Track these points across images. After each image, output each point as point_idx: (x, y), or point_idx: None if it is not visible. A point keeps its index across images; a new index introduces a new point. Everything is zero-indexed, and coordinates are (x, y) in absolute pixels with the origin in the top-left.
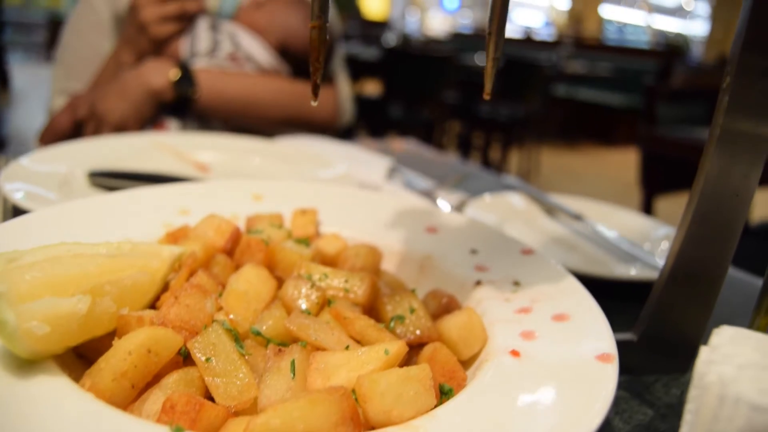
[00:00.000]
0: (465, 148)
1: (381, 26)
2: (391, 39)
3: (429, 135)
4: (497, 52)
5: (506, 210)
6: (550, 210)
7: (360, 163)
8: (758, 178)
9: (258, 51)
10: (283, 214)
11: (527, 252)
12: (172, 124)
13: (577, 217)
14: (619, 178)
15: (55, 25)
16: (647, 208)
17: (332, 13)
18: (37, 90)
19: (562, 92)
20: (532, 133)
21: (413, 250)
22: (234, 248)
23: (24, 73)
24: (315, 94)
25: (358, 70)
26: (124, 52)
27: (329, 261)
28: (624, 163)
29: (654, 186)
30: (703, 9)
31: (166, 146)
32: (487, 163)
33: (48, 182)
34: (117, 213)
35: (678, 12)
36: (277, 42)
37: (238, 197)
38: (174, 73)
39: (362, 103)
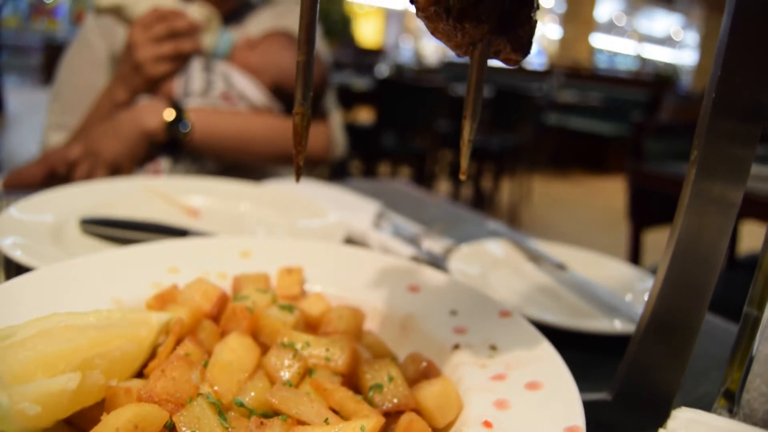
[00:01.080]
0: (457, 177)
1: (375, 54)
2: (383, 69)
3: (421, 164)
4: (472, 135)
5: (491, 258)
6: (534, 257)
7: (348, 209)
8: (728, 240)
9: (251, 90)
10: (270, 273)
11: (505, 314)
12: (165, 162)
13: (560, 267)
14: (610, 207)
15: (51, 49)
16: (636, 241)
17: (324, 48)
18: (32, 114)
19: (553, 121)
20: (523, 162)
21: (395, 309)
22: (220, 313)
23: (19, 97)
24: (297, 175)
25: (351, 98)
26: (119, 90)
27: (313, 323)
28: (615, 191)
29: (642, 219)
30: (692, 39)
31: (157, 191)
32: (479, 192)
33: (40, 232)
34: (107, 273)
35: (667, 41)
36: (270, 81)
37: (226, 254)
38: (168, 114)
39: (355, 131)
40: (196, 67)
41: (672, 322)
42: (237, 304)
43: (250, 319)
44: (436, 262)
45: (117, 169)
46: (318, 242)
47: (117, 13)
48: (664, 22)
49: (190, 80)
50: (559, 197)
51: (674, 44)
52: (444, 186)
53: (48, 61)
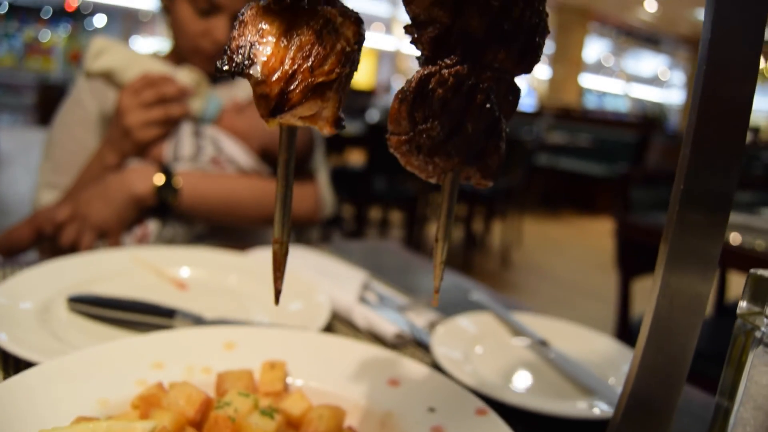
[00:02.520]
0: None
1: (367, 95)
2: (374, 114)
3: (412, 207)
4: (444, 257)
5: (473, 334)
6: (517, 332)
7: (334, 280)
8: (699, 330)
9: (239, 154)
10: (253, 367)
11: (482, 412)
12: (153, 225)
13: (543, 343)
14: (601, 248)
15: (45, 88)
16: (625, 290)
17: None
18: (25, 154)
19: (543, 161)
20: (514, 203)
21: (375, 406)
22: (204, 419)
23: (12, 136)
24: (276, 299)
25: (342, 143)
26: (109, 154)
27: (294, 422)
28: (605, 231)
29: (630, 269)
30: (679, 78)
31: (145, 263)
32: (470, 234)
33: (27, 315)
34: (92, 372)
35: (655, 81)
36: (257, 146)
37: (210, 347)
38: (158, 178)
39: (346, 175)
40: (185, 131)
41: (648, 406)
42: (219, 414)
43: (232, 429)
44: (420, 338)
45: (105, 233)
46: (301, 332)
47: (107, 77)
48: (651, 62)
49: (180, 145)
50: (550, 238)
51: (661, 84)
52: (434, 229)
53: (42, 100)
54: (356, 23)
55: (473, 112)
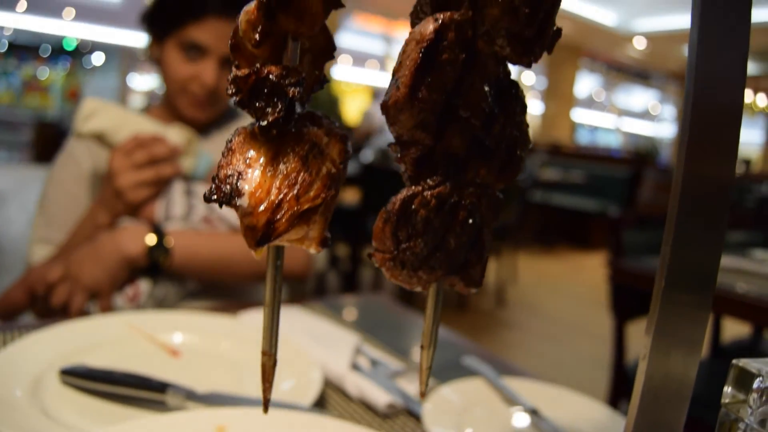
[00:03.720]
0: None
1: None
2: (369, 154)
3: None
4: (429, 362)
5: (465, 402)
6: (508, 400)
7: (326, 347)
8: (686, 410)
9: (230, 213)
10: None
11: None
12: (144, 284)
13: (533, 411)
14: (596, 284)
15: (41, 126)
16: (619, 334)
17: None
18: (21, 192)
19: (537, 198)
20: (508, 241)
21: None
22: None
23: (8, 173)
24: (265, 407)
25: None
26: (100, 213)
27: None
28: (600, 266)
29: (624, 313)
30: (669, 112)
31: (139, 330)
32: None
33: (18, 390)
34: None
35: (646, 115)
36: None
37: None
38: (149, 239)
39: (341, 214)
40: (177, 190)
41: None
42: None
43: None
44: (412, 409)
45: (96, 294)
46: (293, 413)
47: (99, 138)
48: (641, 96)
49: (171, 204)
50: (546, 274)
51: (652, 118)
52: None
53: (38, 137)
54: (342, 141)
55: (456, 229)
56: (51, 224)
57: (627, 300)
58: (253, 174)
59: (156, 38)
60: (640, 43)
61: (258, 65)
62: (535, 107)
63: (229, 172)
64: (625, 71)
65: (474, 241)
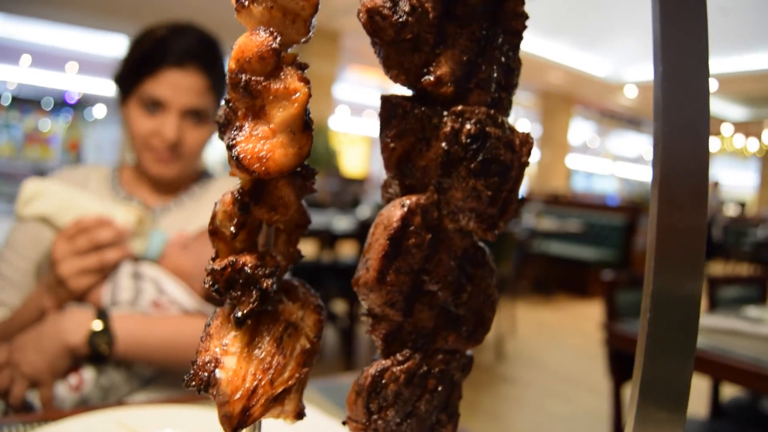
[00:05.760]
0: None
1: (360, 183)
2: (365, 210)
3: None
4: None
5: None
6: None
7: None
8: None
9: (182, 296)
10: None
11: None
12: (88, 372)
13: None
14: (594, 334)
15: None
16: (617, 397)
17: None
18: None
19: (535, 247)
20: (507, 292)
21: None
22: None
23: (6, 226)
24: None
25: (333, 238)
26: (45, 298)
27: None
28: (598, 315)
29: (622, 377)
30: None
31: (129, 428)
32: None
33: None
34: None
35: (639, 160)
36: (202, 288)
37: None
38: (95, 325)
39: (338, 270)
40: (124, 273)
41: None
42: None
43: None
44: None
45: (36, 382)
46: None
47: (42, 222)
48: (635, 142)
49: (118, 289)
50: (545, 325)
51: (646, 163)
52: None
53: None
54: (317, 311)
55: (426, 396)
56: (5, 287)
57: (623, 363)
58: (229, 361)
59: (122, 98)
60: (631, 92)
61: (233, 258)
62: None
63: (207, 359)
64: (618, 118)
65: (445, 404)
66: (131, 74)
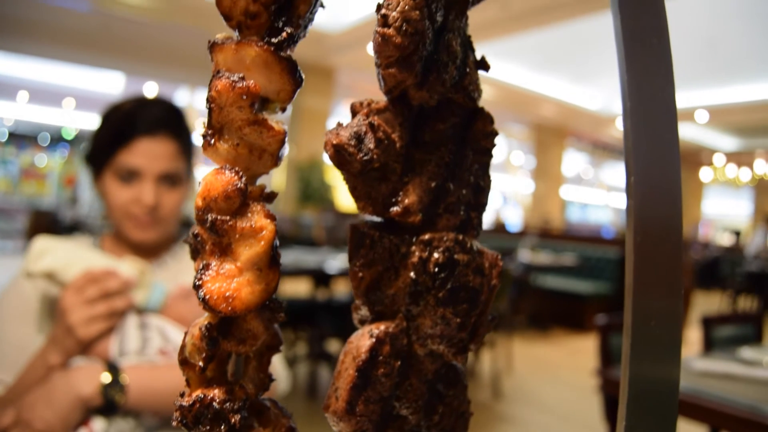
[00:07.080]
0: None
1: (354, 217)
2: None
3: None
4: None
5: None
6: None
7: None
8: None
9: None
10: None
11: None
12: (99, 423)
13: None
14: (591, 369)
15: (36, 214)
16: None
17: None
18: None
19: (530, 282)
20: (503, 329)
21: None
22: None
23: (2, 264)
24: None
25: (328, 277)
26: (52, 353)
27: None
28: (595, 350)
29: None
30: None
31: None
32: None
33: None
34: None
35: None
36: None
37: None
38: (104, 377)
39: (332, 308)
40: (131, 324)
41: None
42: None
43: None
44: None
45: None
46: None
47: (49, 277)
48: None
49: (126, 339)
50: (541, 361)
51: None
52: None
53: (33, 225)
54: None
55: None
56: (0, 365)
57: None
58: None
59: (95, 174)
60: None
61: (201, 394)
62: (525, 186)
63: None
64: (610, 149)
65: None
66: (104, 148)
